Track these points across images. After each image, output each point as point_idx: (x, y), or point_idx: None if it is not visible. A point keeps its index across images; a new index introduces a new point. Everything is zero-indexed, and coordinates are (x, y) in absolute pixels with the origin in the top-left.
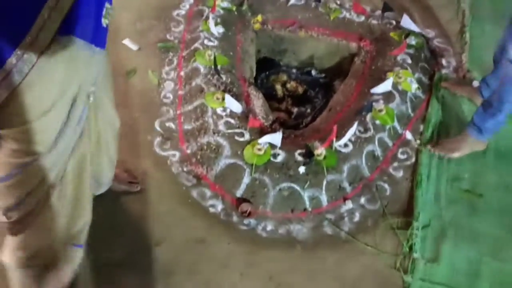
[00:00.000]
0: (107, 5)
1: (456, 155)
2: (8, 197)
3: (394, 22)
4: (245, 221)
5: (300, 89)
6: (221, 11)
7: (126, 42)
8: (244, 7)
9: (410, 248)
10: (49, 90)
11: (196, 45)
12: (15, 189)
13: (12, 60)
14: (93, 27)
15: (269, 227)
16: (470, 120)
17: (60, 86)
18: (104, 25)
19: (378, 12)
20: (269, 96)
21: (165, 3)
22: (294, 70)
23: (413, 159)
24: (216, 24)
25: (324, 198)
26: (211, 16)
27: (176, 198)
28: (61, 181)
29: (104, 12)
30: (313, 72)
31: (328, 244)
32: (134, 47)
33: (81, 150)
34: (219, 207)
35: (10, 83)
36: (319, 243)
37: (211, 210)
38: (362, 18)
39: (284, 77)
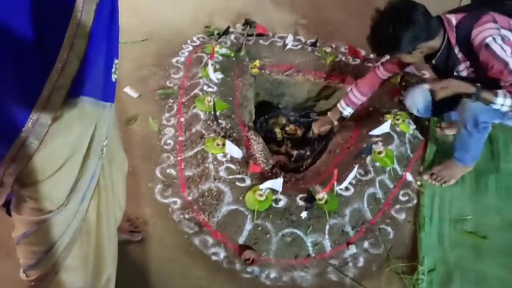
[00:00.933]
0: (115, 60)
1: (452, 181)
2: (26, 254)
3: None
4: (248, 269)
5: (299, 132)
6: (220, 57)
7: (127, 90)
8: (242, 52)
9: None
10: (62, 149)
11: (196, 91)
12: (33, 247)
13: (28, 125)
14: (103, 84)
15: (272, 275)
16: (453, 153)
17: (72, 145)
18: (113, 80)
19: (373, 55)
20: (269, 139)
21: (164, 50)
22: (292, 113)
23: (415, 201)
24: (215, 70)
25: (327, 243)
26: (210, 62)
27: (178, 246)
28: (81, 235)
29: (113, 68)
30: (312, 115)
31: None
32: (134, 94)
33: (97, 203)
34: (222, 254)
35: (29, 148)
36: None
37: (214, 258)
38: (358, 61)
39: (283, 120)
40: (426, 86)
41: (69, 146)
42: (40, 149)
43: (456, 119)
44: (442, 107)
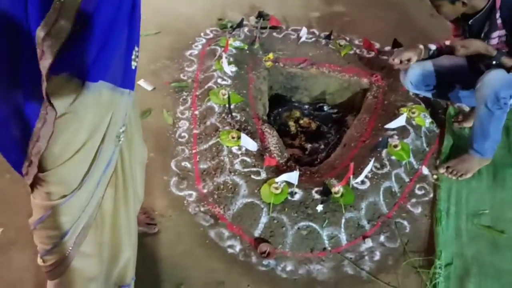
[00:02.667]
0: (136, 48)
1: (469, 175)
2: (43, 239)
3: None
4: (264, 262)
5: (313, 125)
6: (234, 50)
7: (141, 83)
8: (256, 45)
9: (434, 287)
10: (79, 134)
11: (210, 84)
12: (48, 231)
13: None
14: (123, 71)
15: (288, 268)
16: (469, 144)
17: (89, 129)
18: (133, 67)
19: (388, 48)
20: (282, 133)
21: (177, 44)
22: (306, 106)
23: (431, 195)
24: (229, 63)
25: (343, 237)
26: (224, 55)
27: (193, 239)
28: (96, 221)
29: (133, 56)
30: (326, 108)
31: (349, 284)
32: (148, 87)
33: (114, 191)
34: (238, 247)
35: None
36: (340, 284)
37: (230, 250)
38: (372, 54)
39: (297, 114)
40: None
41: (86, 130)
42: (58, 133)
43: (469, 104)
44: (443, 82)
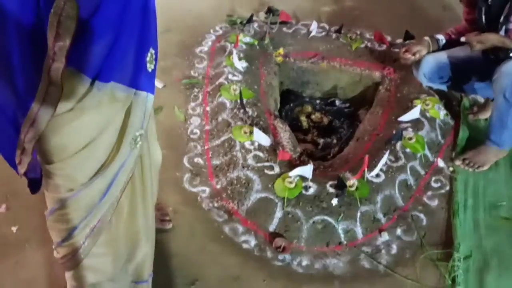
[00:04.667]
0: (151, 50)
1: (486, 167)
2: (53, 231)
3: None
4: (280, 257)
5: (325, 120)
6: (244, 46)
7: None
8: (266, 41)
9: (453, 280)
10: (87, 130)
11: (221, 80)
12: (57, 224)
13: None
14: (136, 72)
15: (304, 262)
16: (486, 135)
17: (98, 126)
18: (149, 70)
19: (400, 41)
20: (294, 128)
21: (187, 41)
22: (317, 101)
23: (447, 187)
24: (239, 58)
25: (359, 231)
26: (234, 51)
27: (208, 235)
28: (110, 221)
29: (148, 58)
30: (337, 102)
31: (366, 278)
32: (159, 84)
33: (131, 192)
34: (252, 242)
35: (45, 113)
36: (357, 278)
37: (244, 246)
38: (384, 47)
39: (309, 108)
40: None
41: (95, 127)
42: (63, 126)
43: (485, 96)
44: (459, 74)
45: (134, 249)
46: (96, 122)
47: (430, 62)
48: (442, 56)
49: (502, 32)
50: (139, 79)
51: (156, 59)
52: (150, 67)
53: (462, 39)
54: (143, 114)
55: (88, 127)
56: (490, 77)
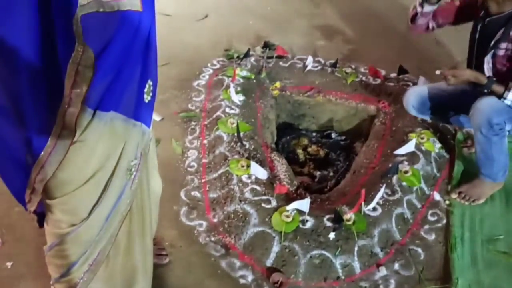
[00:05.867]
0: (149, 81)
1: (482, 200)
2: (51, 267)
3: (410, 84)
4: None
5: (322, 153)
6: (241, 80)
7: None
8: (263, 75)
9: None
10: (90, 163)
11: (218, 113)
12: (56, 260)
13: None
14: (135, 103)
15: None
16: (478, 169)
17: (101, 159)
18: (146, 101)
19: (394, 74)
20: (291, 161)
21: (185, 74)
22: (314, 134)
23: (444, 221)
24: (236, 92)
25: (356, 265)
26: (231, 84)
27: (204, 269)
28: (108, 257)
29: (146, 89)
30: (333, 135)
31: None
32: (157, 118)
33: (129, 224)
34: (250, 277)
35: (58, 155)
36: None
37: (242, 281)
38: (378, 81)
39: (305, 141)
40: (422, 83)
41: (97, 160)
42: (68, 161)
43: (469, 127)
44: (442, 106)
45: (131, 285)
46: (98, 155)
47: (412, 95)
48: (423, 89)
49: (489, 56)
50: (137, 110)
51: (154, 91)
52: (147, 98)
53: (437, 72)
54: (137, 145)
55: (90, 160)
56: (468, 111)
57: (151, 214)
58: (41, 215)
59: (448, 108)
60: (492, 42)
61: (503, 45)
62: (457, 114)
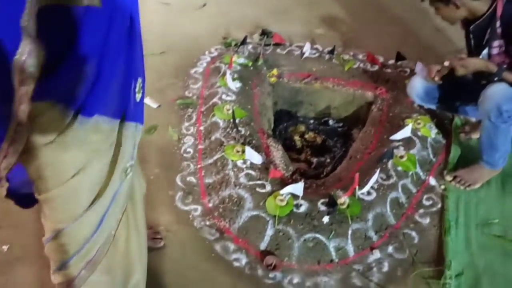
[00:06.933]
0: (139, 79)
1: (477, 186)
2: (51, 258)
3: (408, 70)
4: (271, 275)
5: (319, 139)
6: (238, 67)
7: (147, 100)
8: (260, 62)
9: None
10: (71, 163)
11: (214, 100)
12: (51, 253)
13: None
14: (126, 103)
15: (295, 280)
16: (479, 155)
17: (84, 160)
18: (137, 99)
19: (392, 61)
20: (288, 147)
21: (182, 62)
22: (311, 121)
23: (439, 205)
24: (233, 79)
25: (350, 248)
26: (228, 72)
27: (199, 253)
28: (107, 252)
29: (136, 88)
30: (331, 122)
31: None
32: (154, 105)
33: (125, 220)
34: (244, 260)
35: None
36: None
37: (236, 264)
38: (376, 67)
39: (302, 128)
40: (419, 69)
41: (79, 159)
42: (47, 160)
43: (475, 117)
44: (448, 94)
45: (128, 276)
46: (80, 155)
47: (419, 84)
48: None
49: (485, 57)
50: (127, 110)
51: (143, 87)
52: (138, 96)
53: (446, 63)
54: (133, 145)
55: (72, 160)
56: (477, 100)
57: (142, 206)
58: (17, 198)
59: (453, 97)
60: (484, 43)
61: (495, 43)
62: (464, 104)
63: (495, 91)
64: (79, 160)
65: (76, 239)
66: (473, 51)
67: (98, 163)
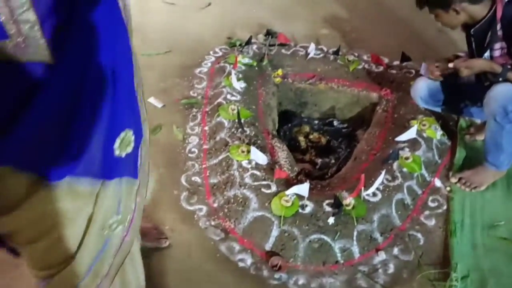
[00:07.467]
0: (122, 134)
1: (483, 188)
2: None
3: (413, 71)
4: (276, 275)
5: (323, 140)
6: (243, 67)
7: (151, 100)
8: (265, 62)
9: None
10: (45, 218)
11: (219, 100)
12: None
13: None
14: (103, 161)
15: (300, 281)
16: (484, 157)
17: (59, 216)
18: (118, 156)
19: (396, 62)
20: (293, 148)
21: (187, 62)
22: (316, 121)
23: (445, 207)
24: (238, 79)
25: (355, 250)
26: (233, 72)
27: (204, 253)
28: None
29: (118, 144)
30: (335, 123)
31: None
32: (159, 104)
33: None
34: (249, 261)
35: None
36: None
37: (241, 264)
38: (381, 68)
39: (307, 129)
40: (424, 70)
41: (55, 216)
42: (25, 213)
43: (480, 118)
44: (453, 97)
45: None
46: (57, 213)
47: (423, 87)
48: (430, 81)
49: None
50: (105, 168)
51: (138, 141)
52: (120, 154)
53: (450, 65)
54: (118, 201)
55: (46, 216)
56: (481, 101)
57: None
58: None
59: (457, 99)
60: (485, 45)
61: (497, 45)
62: (468, 106)
63: (500, 92)
64: (56, 215)
65: (67, 284)
66: (475, 54)
67: (76, 218)
